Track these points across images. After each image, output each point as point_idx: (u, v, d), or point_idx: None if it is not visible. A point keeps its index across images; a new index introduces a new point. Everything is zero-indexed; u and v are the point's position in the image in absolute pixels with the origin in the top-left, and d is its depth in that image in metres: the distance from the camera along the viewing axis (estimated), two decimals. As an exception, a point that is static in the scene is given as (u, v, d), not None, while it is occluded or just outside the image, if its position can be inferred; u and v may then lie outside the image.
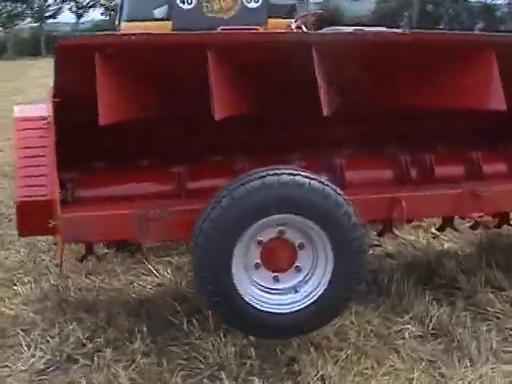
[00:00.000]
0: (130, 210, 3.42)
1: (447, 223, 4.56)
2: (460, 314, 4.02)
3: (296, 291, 3.33)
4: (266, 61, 3.40)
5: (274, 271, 3.35)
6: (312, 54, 3.27)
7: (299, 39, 3.38)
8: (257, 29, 3.31)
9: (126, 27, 6.81)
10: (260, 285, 3.33)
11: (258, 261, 3.32)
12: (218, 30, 3.45)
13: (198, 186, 3.89)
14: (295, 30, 5.72)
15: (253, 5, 6.56)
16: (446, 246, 5.35)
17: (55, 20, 45.21)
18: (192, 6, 6.43)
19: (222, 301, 3.20)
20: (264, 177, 3.14)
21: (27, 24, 44.11)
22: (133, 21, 6.78)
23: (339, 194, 3.19)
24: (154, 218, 3.38)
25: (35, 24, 43.62)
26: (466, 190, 3.91)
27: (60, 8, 45.29)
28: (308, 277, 3.34)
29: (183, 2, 6.33)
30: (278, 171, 3.16)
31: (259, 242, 3.28)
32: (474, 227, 4.67)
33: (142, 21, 6.68)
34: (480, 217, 3.95)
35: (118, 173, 3.84)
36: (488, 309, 4.14)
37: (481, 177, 4.37)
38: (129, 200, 3.68)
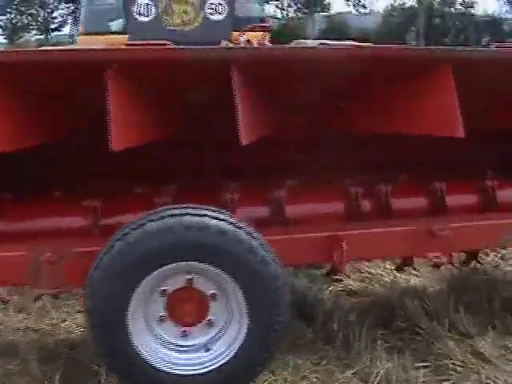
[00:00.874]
0: (22, 251, 2.96)
1: (406, 262, 4.06)
2: (412, 369, 3.50)
3: (207, 349, 2.84)
4: (177, 80, 2.94)
5: (182, 325, 2.87)
6: (231, 73, 2.81)
7: (215, 56, 2.91)
8: (164, 44, 2.77)
9: (82, 40, 6.38)
10: (166, 341, 2.85)
11: (164, 313, 2.84)
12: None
13: (114, 221, 3.41)
14: (243, 44, 5.23)
15: (217, 17, 6.10)
16: (412, 281, 4.85)
17: (60, 32, 45.09)
18: (150, 18, 5.97)
19: (117, 361, 2.72)
20: (163, 218, 2.66)
21: (33, 36, 44.03)
22: (90, 34, 6.35)
23: (255, 238, 2.71)
24: (48, 262, 2.91)
25: (41, 36, 43.53)
26: (421, 227, 3.42)
27: (65, 20, 45.18)
28: (221, 333, 2.85)
29: (140, 15, 5.88)
30: (180, 211, 2.68)
31: (164, 293, 2.81)
32: (436, 266, 4.17)
33: (99, 34, 6.25)
34: (436, 257, 3.45)
35: (21, 205, 3.38)
36: (446, 362, 3.63)
37: (444, 211, 3.88)
38: (30, 238, 3.22)
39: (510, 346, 3.75)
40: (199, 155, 3.58)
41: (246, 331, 2.75)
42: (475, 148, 3.80)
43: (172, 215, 2.67)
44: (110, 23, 6.35)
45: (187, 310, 2.83)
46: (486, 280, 4.75)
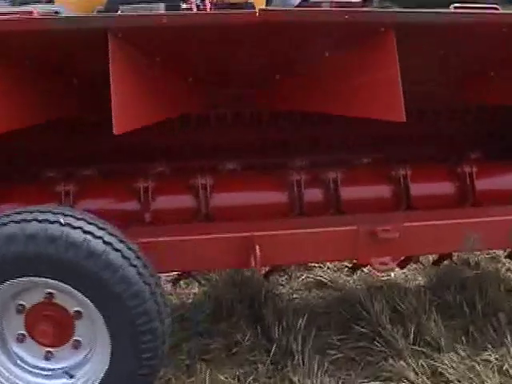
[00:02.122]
0: None
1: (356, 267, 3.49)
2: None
3: (71, 376, 2.40)
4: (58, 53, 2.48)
5: (45, 345, 2.43)
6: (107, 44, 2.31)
7: (89, 24, 2.38)
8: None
9: None
10: (26, 363, 2.43)
11: (23, 331, 2.41)
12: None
13: None
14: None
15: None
16: (392, 276, 4.25)
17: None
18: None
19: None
20: (5, 224, 2.20)
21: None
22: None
23: (116, 250, 2.22)
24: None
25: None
26: (361, 228, 2.85)
27: None
28: (88, 356, 2.40)
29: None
30: (26, 216, 2.21)
31: (21, 308, 2.37)
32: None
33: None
34: (382, 263, 2.87)
35: None
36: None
37: (408, 205, 3.28)
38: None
39: (478, 368, 3.14)
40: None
41: (109, 357, 2.29)
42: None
43: (16, 221, 2.20)
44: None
45: (49, 328, 2.38)
46: (475, 277, 4.12)
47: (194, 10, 4.61)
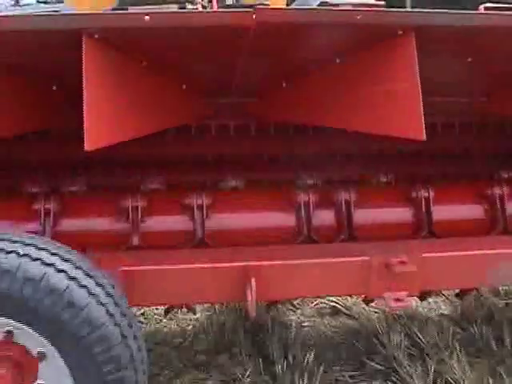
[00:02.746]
0: None
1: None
2: None
3: (33, 426, 2.09)
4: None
5: (5, 390, 2.12)
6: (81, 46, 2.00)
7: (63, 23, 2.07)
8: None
9: None
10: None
11: (-20, 373, 2.10)
12: None
13: None
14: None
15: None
16: (413, 307, 3.88)
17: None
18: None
19: None
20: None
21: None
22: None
23: (81, 286, 1.91)
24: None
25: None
26: (378, 259, 2.50)
27: None
28: (54, 404, 2.09)
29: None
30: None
31: (-24, 347, 2.07)
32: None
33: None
34: (397, 300, 2.52)
35: None
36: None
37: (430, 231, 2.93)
38: None
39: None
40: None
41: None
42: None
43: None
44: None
45: (8, 370, 2.07)
46: (505, 308, 3.73)
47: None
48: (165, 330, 3.63)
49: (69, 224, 2.73)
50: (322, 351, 3.36)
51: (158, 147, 3.05)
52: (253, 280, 2.35)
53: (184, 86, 2.63)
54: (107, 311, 1.94)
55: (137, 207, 2.75)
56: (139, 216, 2.75)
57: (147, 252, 2.59)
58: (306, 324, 3.70)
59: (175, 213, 2.84)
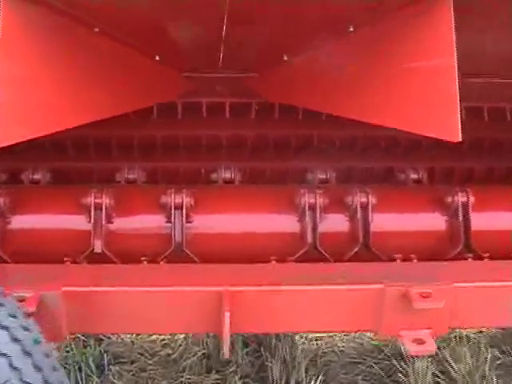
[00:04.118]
0: None
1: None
2: None
3: None
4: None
5: None
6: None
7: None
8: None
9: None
10: None
11: None
12: None
13: None
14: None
15: None
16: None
17: None
18: None
19: None
20: None
21: None
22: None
23: None
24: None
25: None
26: (394, 288, 1.93)
27: None
28: None
29: None
30: None
31: None
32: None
33: None
34: (417, 341, 1.96)
35: None
36: None
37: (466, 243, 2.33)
38: None
39: None
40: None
41: None
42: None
43: None
44: None
45: None
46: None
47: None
48: (153, 336, 3.14)
49: (17, 222, 2.23)
50: (332, 373, 2.84)
51: (137, 129, 2.53)
52: (226, 310, 1.81)
53: (157, 58, 2.07)
54: (10, 363, 1.44)
55: (101, 205, 2.23)
56: (103, 216, 2.23)
57: (98, 268, 2.07)
58: (315, 341, 3.14)
59: (149, 213, 2.31)
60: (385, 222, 2.39)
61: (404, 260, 2.34)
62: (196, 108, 2.57)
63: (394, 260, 2.33)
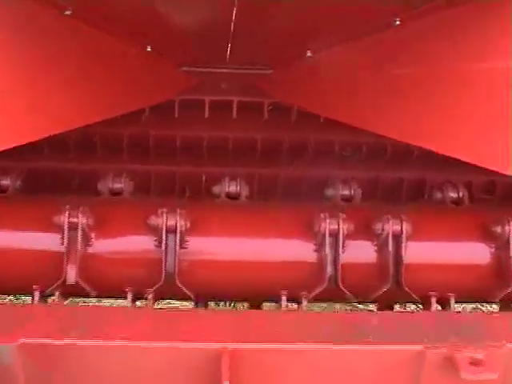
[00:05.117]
0: None
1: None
2: None
3: None
4: None
5: None
6: None
7: None
8: None
9: None
10: None
11: None
12: None
13: None
14: None
15: None
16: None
17: None
18: None
19: None
20: None
21: None
22: None
23: None
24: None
25: None
26: (437, 352, 1.54)
27: None
28: None
29: None
30: None
31: None
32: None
33: None
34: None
35: None
36: None
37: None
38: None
39: None
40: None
41: None
42: None
43: None
44: None
45: None
46: None
47: None
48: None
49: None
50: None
51: (125, 126, 2.12)
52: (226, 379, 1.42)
53: (149, 48, 1.64)
54: None
55: (76, 225, 1.82)
56: (79, 238, 1.82)
57: (68, 312, 1.66)
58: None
59: (136, 234, 1.91)
60: (419, 253, 1.98)
61: (441, 299, 1.96)
62: (197, 106, 2.15)
63: (428, 299, 1.94)
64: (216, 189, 2.11)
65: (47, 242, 1.89)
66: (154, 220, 1.86)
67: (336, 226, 1.89)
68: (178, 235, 1.86)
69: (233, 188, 2.10)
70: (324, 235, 1.90)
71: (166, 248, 1.87)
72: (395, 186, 2.38)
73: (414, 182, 2.41)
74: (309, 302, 1.92)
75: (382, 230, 1.91)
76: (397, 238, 1.91)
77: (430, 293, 1.96)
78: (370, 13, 1.35)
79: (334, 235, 1.90)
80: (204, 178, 2.26)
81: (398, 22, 1.42)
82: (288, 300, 1.92)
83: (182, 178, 2.30)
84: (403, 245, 1.91)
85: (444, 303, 2.02)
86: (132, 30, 1.55)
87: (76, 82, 1.50)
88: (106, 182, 2.08)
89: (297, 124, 2.25)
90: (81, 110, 1.53)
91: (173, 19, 1.49)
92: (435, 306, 2.00)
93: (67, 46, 1.45)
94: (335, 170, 2.29)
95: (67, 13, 1.39)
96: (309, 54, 1.67)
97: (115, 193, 2.07)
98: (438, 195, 2.20)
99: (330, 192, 2.16)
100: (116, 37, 1.53)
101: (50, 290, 1.84)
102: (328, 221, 1.89)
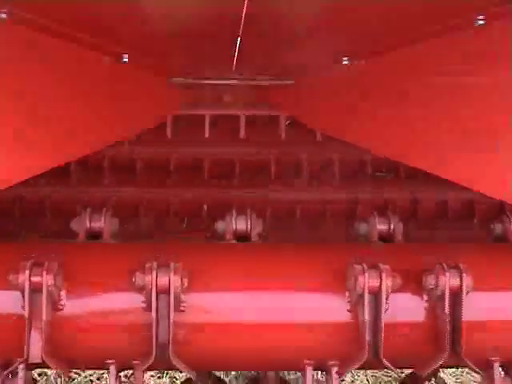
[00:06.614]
0: None
1: None
2: None
3: None
4: None
5: None
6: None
7: None
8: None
9: None
10: None
11: None
12: None
13: None
14: None
15: None
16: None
17: None
18: None
19: None
20: None
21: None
22: None
23: None
24: None
25: None
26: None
27: None
28: None
29: None
30: None
31: None
32: None
33: None
34: None
35: None
36: None
37: None
38: None
39: None
40: None
41: None
42: None
43: None
44: None
45: None
46: None
47: None
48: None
49: None
50: None
51: (108, 150, 1.68)
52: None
53: (125, 58, 1.20)
54: None
55: (41, 286, 1.40)
56: (43, 302, 1.40)
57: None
58: None
59: (119, 293, 1.48)
60: (478, 309, 1.56)
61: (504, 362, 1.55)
62: (195, 122, 1.71)
63: (491, 368, 1.53)
64: (220, 225, 1.68)
65: (7, 302, 1.47)
66: (140, 278, 1.43)
67: (378, 283, 1.45)
68: (172, 296, 1.43)
69: (241, 225, 1.67)
70: (362, 294, 1.46)
71: (157, 312, 1.44)
72: (439, 212, 1.95)
73: (459, 206, 1.99)
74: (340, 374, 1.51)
75: (437, 285, 1.48)
76: (455, 294, 1.48)
77: (493, 358, 1.54)
78: (447, 9, 0.91)
79: (375, 293, 1.47)
80: (205, 207, 1.83)
81: (480, 22, 0.98)
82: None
83: (176, 204, 1.87)
84: (463, 303, 1.48)
85: (508, 368, 1.61)
86: (101, 34, 1.10)
87: (48, 121, 1.07)
88: (83, 219, 1.65)
89: (321, 145, 1.82)
90: (53, 152, 1.11)
91: (154, 22, 1.05)
92: (498, 373, 1.59)
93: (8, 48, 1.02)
94: (364, 195, 1.86)
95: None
96: (345, 61, 1.23)
97: (93, 235, 1.64)
98: (499, 228, 1.77)
99: (362, 228, 1.73)
100: (76, 44, 1.08)
101: (11, 368, 1.42)
102: (367, 275, 1.45)
